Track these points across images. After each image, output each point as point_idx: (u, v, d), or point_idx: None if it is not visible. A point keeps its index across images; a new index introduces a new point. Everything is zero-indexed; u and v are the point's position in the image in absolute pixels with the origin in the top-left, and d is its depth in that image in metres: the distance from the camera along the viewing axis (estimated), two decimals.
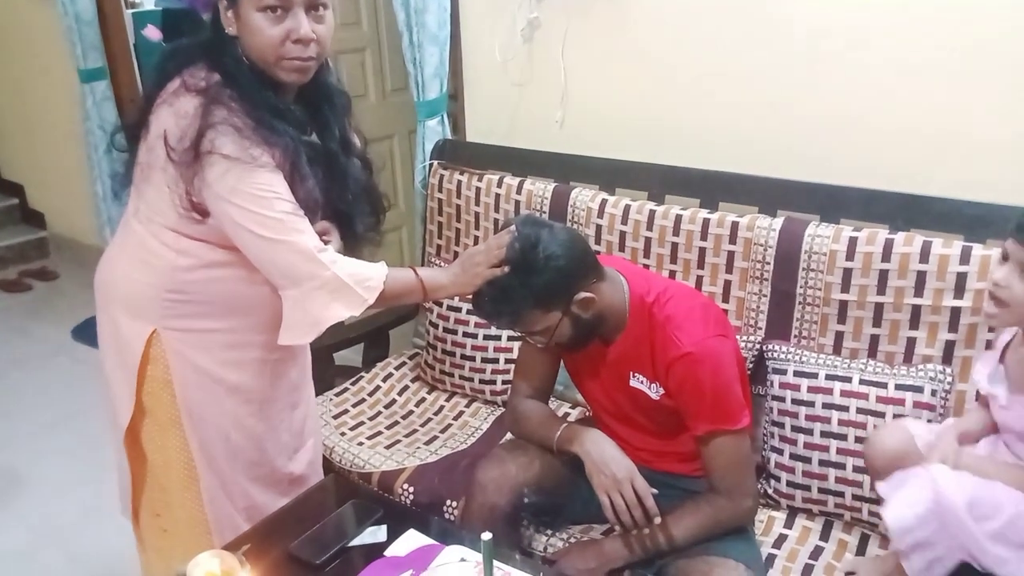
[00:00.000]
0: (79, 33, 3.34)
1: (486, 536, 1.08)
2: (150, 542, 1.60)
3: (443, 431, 2.03)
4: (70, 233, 4.33)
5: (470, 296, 1.46)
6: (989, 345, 1.50)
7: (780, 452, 1.66)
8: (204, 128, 1.24)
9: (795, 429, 1.64)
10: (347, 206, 1.43)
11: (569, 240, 1.43)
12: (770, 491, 1.69)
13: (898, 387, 1.57)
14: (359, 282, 1.32)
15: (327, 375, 2.19)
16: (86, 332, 3.53)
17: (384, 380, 2.24)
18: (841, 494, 1.60)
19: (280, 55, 1.28)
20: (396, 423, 2.07)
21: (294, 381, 1.58)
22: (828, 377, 1.62)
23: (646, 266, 1.90)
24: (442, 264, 2.18)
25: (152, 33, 3.07)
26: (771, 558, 1.55)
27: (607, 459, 1.44)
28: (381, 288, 1.34)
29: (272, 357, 1.48)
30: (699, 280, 1.85)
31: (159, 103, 1.31)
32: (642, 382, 1.48)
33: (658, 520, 1.42)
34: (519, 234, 1.41)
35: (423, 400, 2.17)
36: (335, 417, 2.06)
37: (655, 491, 1.43)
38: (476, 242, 2.18)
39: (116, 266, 1.43)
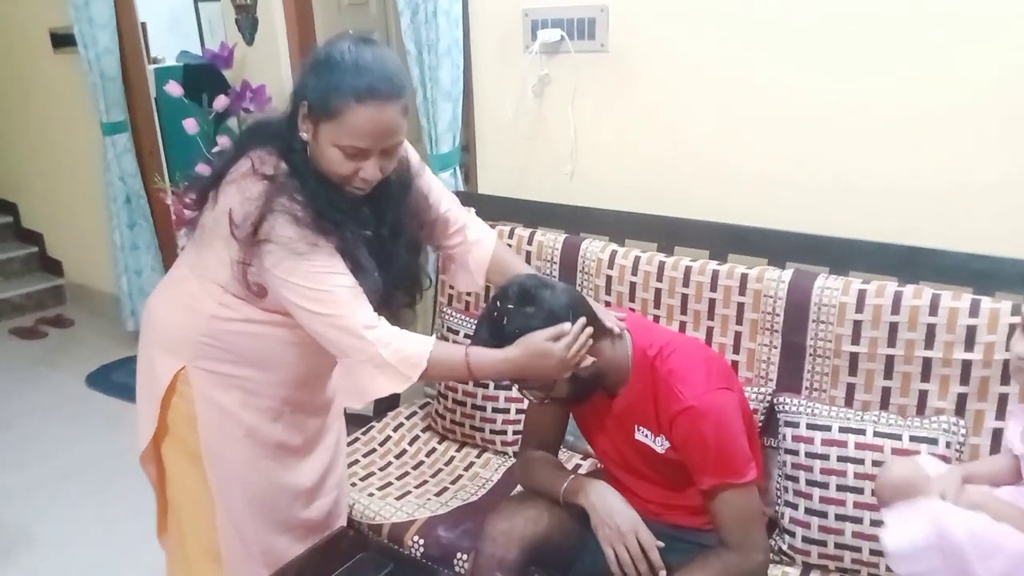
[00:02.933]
0: (103, 88, 3.44)
1: None
2: (172, 563, 1.64)
3: (454, 482, 2.02)
4: (87, 281, 4.39)
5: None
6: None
7: (795, 507, 1.65)
8: (265, 213, 1.29)
9: (810, 483, 1.62)
10: (386, 286, 1.46)
11: (569, 300, 1.43)
12: (784, 547, 1.66)
13: (912, 439, 1.56)
14: (403, 360, 1.35)
15: None
16: (100, 380, 3.56)
17: (395, 430, 2.24)
18: (858, 549, 1.58)
19: (345, 182, 1.34)
20: (407, 473, 2.07)
21: (312, 432, 1.61)
22: (842, 430, 1.61)
23: (656, 317, 1.91)
24: (454, 314, 2.20)
25: (173, 89, 3.15)
26: None
27: (612, 511, 1.44)
28: (424, 367, 1.37)
29: (287, 409, 1.53)
30: (709, 331, 1.86)
31: (228, 181, 1.35)
32: (647, 435, 1.48)
33: (663, 574, 1.40)
34: (523, 288, 1.42)
35: (434, 450, 2.17)
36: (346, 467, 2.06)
37: (661, 544, 1.41)
38: (488, 293, 2.19)
39: (159, 307, 1.51)
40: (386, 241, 1.44)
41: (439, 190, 1.63)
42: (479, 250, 1.69)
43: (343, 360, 1.37)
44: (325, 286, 1.32)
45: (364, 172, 1.31)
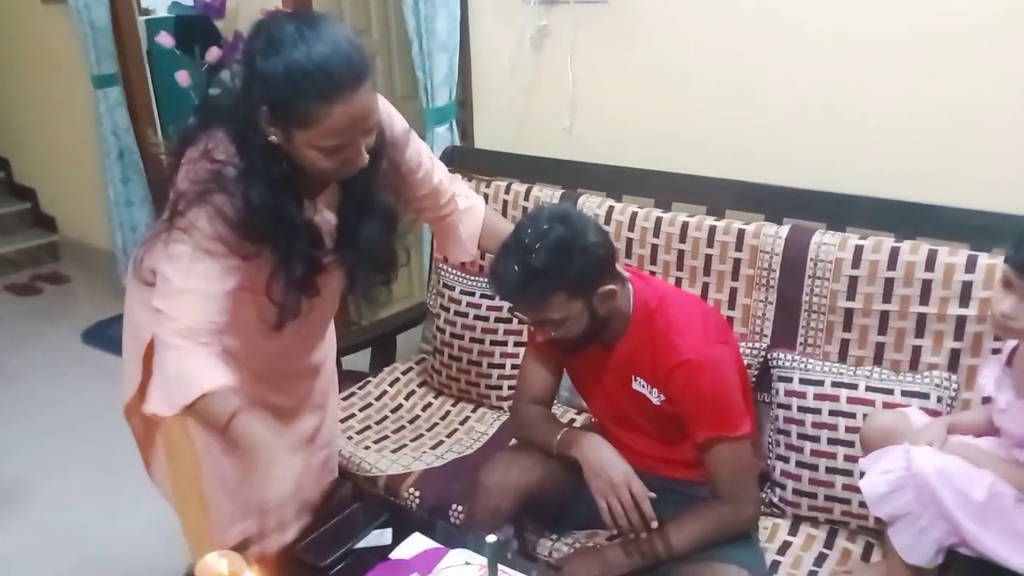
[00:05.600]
0: (93, 40, 3.39)
1: (491, 539, 1.09)
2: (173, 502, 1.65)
3: (449, 436, 2.03)
4: (81, 237, 4.37)
5: (488, 271, 1.43)
6: (996, 351, 1.51)
7: (786, 460, 1.66)
8: (195, 202, 1.22)
9: (801, 437, 1.64)
10: (351, 267, 1.40)
11: (603, 232, 1.43)
12: (775, 499, 1.69)
13: (904, 393, 1.57)
14: (181, 380, 1.24)
15: None
16: (96, 335, 3.56)
17: (391, 385, 2.25)
18: (848, 501, 1.60)
19: (333, 175, 1.28)
20: (403, 427, 2.08)
21: (301, 395, 1.61)
22: (834, 384, 1.62)
23: (652, 273, 1.90)
24: (449, 270, 2.19)
25: (165, 40, 3.09)
26: (775, 565, 1.55)
27: (604, 463, 1.45)
28: (191, 399, 1.22)
29: (272, 373, 1.53)
30: (705, 287, 1.86)
31: (184, 160, 1.28)
32: (644, 386, 1.49)
33: (655, 525, 1.41)
34: (557, 214, 1.39)
35: (429, 405, 2.18)
36: (342, 421, 2.07)
37: (653, 495, 1.43)
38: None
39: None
40: (350, 220, 1.37)
41: (430, 160, 1.57)
42: (469, 219, 1.66)
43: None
44: (185, 265, 1.24)
45: (352, 161, 1.24)
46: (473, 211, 1.67)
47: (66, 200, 4.44)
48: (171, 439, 1.54)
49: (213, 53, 3.05)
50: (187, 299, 1.24)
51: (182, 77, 3.06)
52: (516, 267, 1.36)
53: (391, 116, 1.43)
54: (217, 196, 1.23)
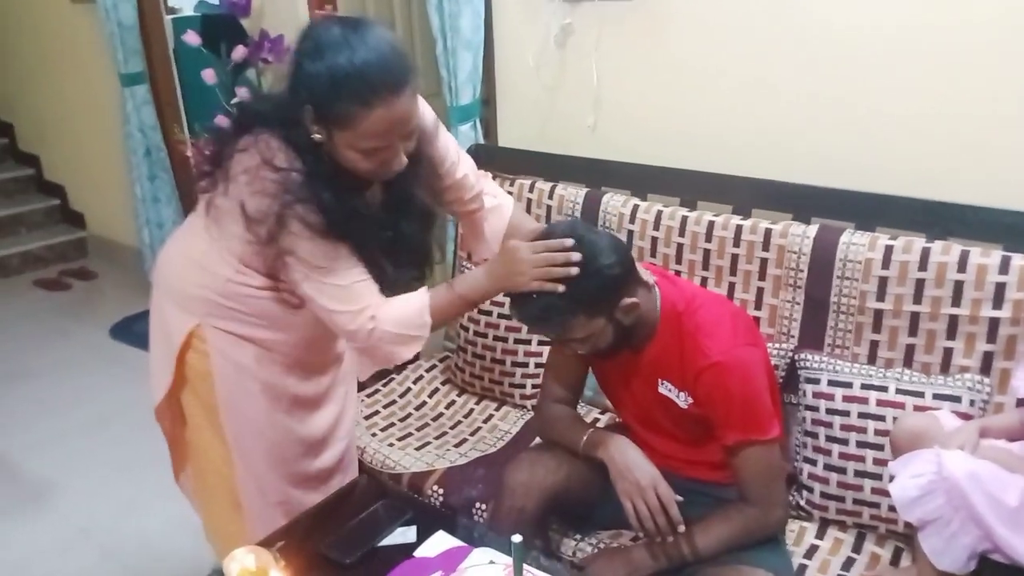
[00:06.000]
0: (120, 38, 3.42)
1: (516, 539, 1.09)
2: (200, 507, 1.69)
3: (472, 434, 2.04)
4: (109, 234, 4.42)
5: (508, 300, 1.45)
6: None
7: (813, 463, 1.64)
8: (282, 222, 1.28)
9: (829, 439, 1.62)
10: (388, 260, 1.44)
11: (616, 246, 1.42)
12: (802, 502, 1.67)
13: (935, 396, 1.55)
14: (409, 325, 1.39)
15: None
16: (124, 332, 3.60)
17: (415, 382, 2.25)
18: (877, 505, 1.58)
19: (371, 176, 1.32)
20: (426, 425, 2.09)
21: (324, 385, 1.62)
22: (864, 387, 1.60)
23: (677, 272, 1.89)
24: (473, 269, 2.18)
25: (192, 39, 3.11)
26: (802, 568, 1.53)
27: (631, 465, 1.44)
28: (429, 322, 1.40)
29: (300, 365, 1.54)
30: (731, 287, 1.84)
31: (238, 170, 1.30)
32: (670, 390, 1.48)
33: (682, 528, 1.40)
34: (568, 235, 1.38)
35: (453, 403, 2.18)
36: (366, 418, 2.08)
37: (680, 498, 1.42)
38: None
39: (173, 262, 1.50)
40: (394, 217, 1.41)
41: (456, 154, 1.58)
42: (495, 217, 1.68)
43: (351, 344, 1.41)
44: (337, 279, 1.34)
45: (389, 163, 1.28)
46: (500, 210, 1.68)
47: (94, 197, 4.50)
48: (199, 440, 1.55)
49: (239, 52, 3.06)
50: (358, 287, 1.35)
51: (208, 75, 3.08)
52: (533, 295, 1.37)
53: (422, 108, 1.44)
54: (297, 207, 1.28)
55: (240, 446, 1.51)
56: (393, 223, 1.40)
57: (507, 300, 2.07)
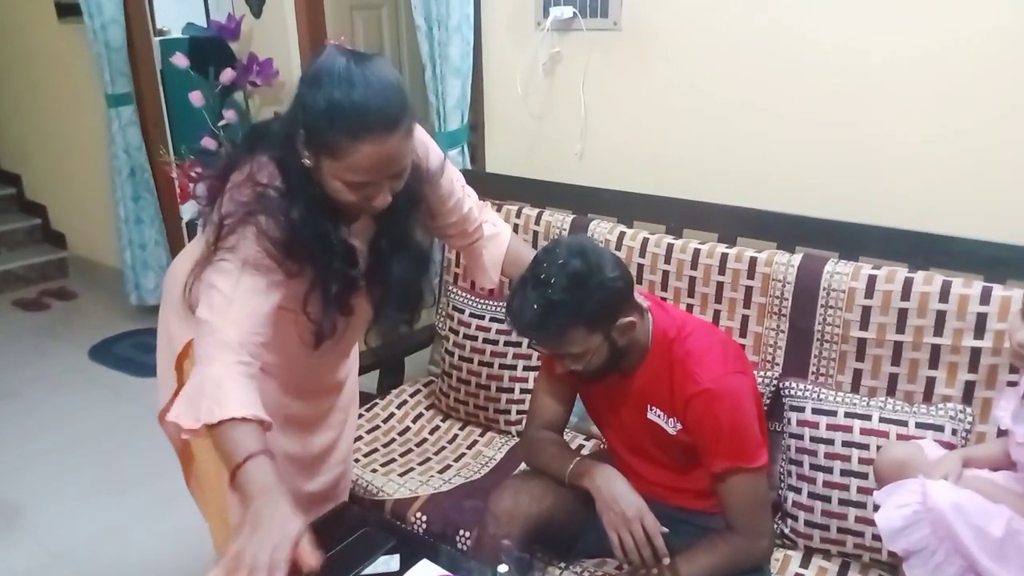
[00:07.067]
0: (108, 59, 3.42)
1: (503, 569, 1.08)
2: (204, 514, 1.67)
3: (457, 460, 2.02)
4: (91, 254, 4.38)
5: (505, 306, 1.42)
6: (1012, 384, 1.50)
7: (798, 491, 1.65)
8: (239, 223, 1.25)
9: (814, 467, 1.62)
10: (378, 300, 1.42)
11: (619, 262, 1.42)
12: (787, 530, 1.67)
13: (918, 425, 1.56)
14: (213, 398, 1.17)
15: None
16: (103, 353, 3.56)
17: (399, 407, 2.24)
18: (861, 534, 1.58)
19: (354, 209, 1.30)
20: (410, 450, 2.07)
21: (323, 409, 1.61)
22: (848, 415, 1.61)
23: (663, 299, 1.90)
24: (460, 294, 2.19)
25: (180, 61, 3.12)
26: None
27: (617, 496, 1.43)
28: (215, 421, 1.16)
29: (298, 387, 1.53)
30: (716, 314, 1.85)
31: (230, 186, 1.30)
32: (659, 416, 1.48)
33: (667, 560, 1.39)
34: (573, 247, 1.38)
35: (437, 428, 2.17)
36: None
37: (665, 530, 1.41)
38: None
39: (177, 274, 1.48)
40: (381, 255, 1.40)
41: (461, 190, 1.59)
42: (493, 246, 1.68)
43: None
44: (231, 283, 1.24)
45: (373, 199, 1.26)
46: (497, 238, 1.69)
47: (76, 217, 4.46)
48: (196, 451, 1.55)
49: (227, 75, 3.08)
50: (235, 310, 1.24)
51: (196, 97, 3.09)
52: (534, 303, 1.35)
53: (427, 147, 1.45)
54: (261, 216, 1.26)
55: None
56: (383, 262, 1.39)
57: (494, 325, 2.09)
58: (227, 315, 1.23)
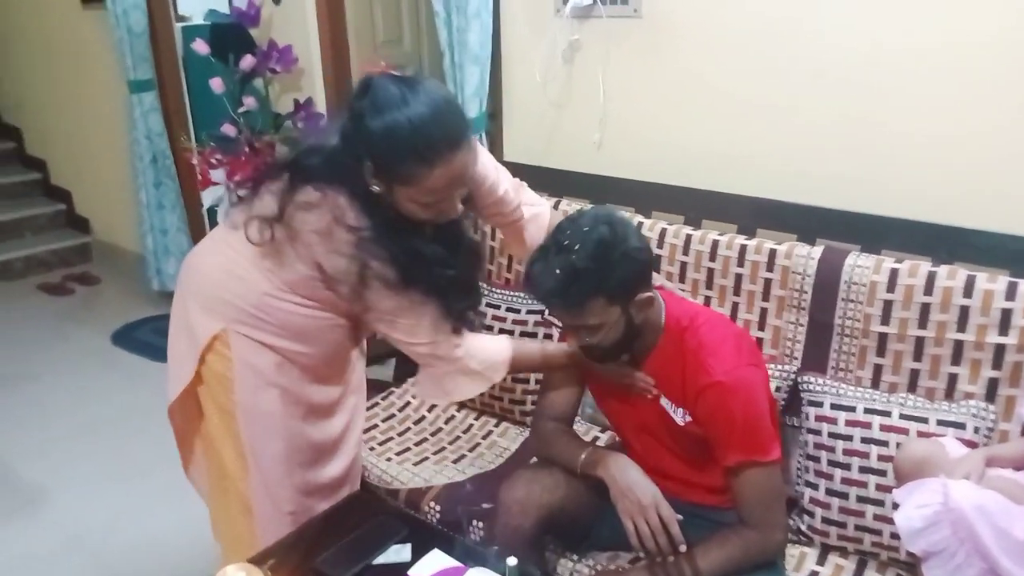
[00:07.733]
0: (130, 45, 3.43)
1: (512, 561, 1.07)
2: (213, 504, 1.69)
3: (471, 450, 2.02)
4: (113, 239, 4.43)
5: (524, 272, 1.42)
6: None
7: (815, 487, 1.62)
8: (363, 283, 1.36)
9: (832, 464, 1.60)
10: (444, 294, 1.47)
11: (644, 238, 1.41)
12: (803, 527, 1.65)
13: (940, 423, 1.53)
14: (489, 367, 1.52)
15: None
16: (125, 338, 3.60)
17: (414, 396, 2.24)
18: (879, 532, 1.55)
19: (428, 223, 1.38)
20: (425, 440, 2.07)
21: (337, 394, 1.63)
22: (867, 411, 1.58)
23: (681, 291, 1.88)
24: (494, 290, 2.17)
25: (201, 47, 3.13)
26: None
27: (632, 484, 1.42)
28: (506, 369, 1.54)
29: (318, 375, 1.55)
30: (735, 307, 1.83)
31: (308, 228, 1.35)
32: (669, 405, 1.46)
33: (683, 548, 1.38)
34: (600, 216, 1.36)
35: (452, 418, 2.17)
36: (365, 431, 2.06)
37: (680, 517, 1.40)
38: (510, 261, 2.19)
39: (204, 267, 1.50)
40: (449, 255, 1.46)
41: (495, 172, 1.63)
42: (534, 227, 1.73)
43: (425, 370, 1.52)
44: (415, 319, 1.42)
45: (447, 212, 1.35)
46: (538, 219, 1.74)
47: (99, 202, 4.51)
48: (214, 440, 1.56)
49: (247, 61, 3.08)
50: (433, 322, 1.44)
51: (216, 84, 3.09)
52: (556, 269, 1.32)
53: None
54: (373, 263, 1.35)
55: (255, 450, 1.52)
56: (449, 260, 1.45)
57: (510, 315, 2.08)
58: (428, 329, 1.44)
